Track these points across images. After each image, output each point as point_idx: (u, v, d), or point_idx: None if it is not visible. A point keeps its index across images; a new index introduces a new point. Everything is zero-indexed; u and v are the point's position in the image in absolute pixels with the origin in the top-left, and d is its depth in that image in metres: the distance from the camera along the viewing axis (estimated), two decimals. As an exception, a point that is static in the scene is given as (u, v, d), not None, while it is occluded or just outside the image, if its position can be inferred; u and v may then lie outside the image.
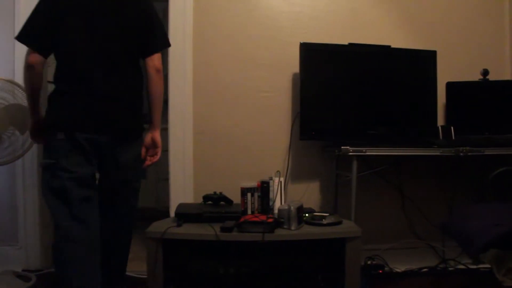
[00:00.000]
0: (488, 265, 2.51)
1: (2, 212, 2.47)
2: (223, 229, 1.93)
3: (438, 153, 2.25)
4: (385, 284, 2.37)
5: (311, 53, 2.41)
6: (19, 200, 2.52)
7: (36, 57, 1.67)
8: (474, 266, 2.56)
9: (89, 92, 1.70)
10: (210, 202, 2.26)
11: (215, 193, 2.27)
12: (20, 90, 2.27)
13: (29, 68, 1.68)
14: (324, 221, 2.08)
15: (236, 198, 2.30)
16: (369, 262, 2.49)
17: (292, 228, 1.98)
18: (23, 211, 2.52)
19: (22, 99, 2.27)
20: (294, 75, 2.58)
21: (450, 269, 2.56)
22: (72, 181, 1.64)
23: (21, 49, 2.43)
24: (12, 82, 2.28)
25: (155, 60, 1.82)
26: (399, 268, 2.53)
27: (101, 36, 1.71)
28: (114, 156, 1.77)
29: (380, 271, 2.45)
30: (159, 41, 1.86)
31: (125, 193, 1.87)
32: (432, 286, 2.39)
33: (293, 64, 2.54)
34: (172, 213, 2.53)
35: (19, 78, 2.46)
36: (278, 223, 2.00)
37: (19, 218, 2.52)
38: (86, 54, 1.70)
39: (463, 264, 2.56)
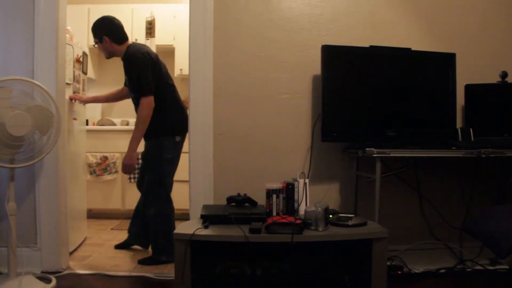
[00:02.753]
0: (506, 266, 2.54)
1: (22, 214, 2.44)
2: (252, 231, 1.94)
3: (461, 155, 2.28)
4: (404, 285, 2.39)
5: (333, 56, 2.42)
6: (38, 201, 2.51)
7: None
8: (492, 267, 2.58)
9: (185, 114, 2.83)
10: (233, 203, 2.26)
11: (239, 194, 2.27)
12: (39, 90, 2.26)
13: (153, 109, 2.66)
14: (350, 222, 2.09)
15: (256, 198, 2.30)
16: (388, 263, 2.50)
17: (320, 229, 1.99)
18: (42, 212, 2.50)
19: (42, 100, 2.26)
20: (315, 77, 2.59)
21: (468, 270, 2.58)
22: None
23: (41, 50, 2.46)
24: (31, 82, 2.26)
25: None
26: (418, 269, 2.54)
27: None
28: None
29: (399, 272, 2.47)
30: None
31: None
32: (451, 287, 2.41)
33: (314, 66, 2.56)
34: (192, 215, 2.53)
35: (38, 78, 2.46)
36: (306, 224, 2.00)
37: (38, 219, 2.51)
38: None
39: (481, 265, 2.59)
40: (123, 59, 2.77)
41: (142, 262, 2.77)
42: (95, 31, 2.80)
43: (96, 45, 2.87)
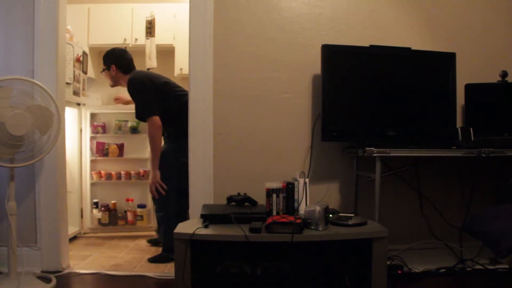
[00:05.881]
0: (506, 266, 2.54)
1: (22, 213, 2.44)
2: (252, 230, 1.93)
3: (461, 154, 2.28)
4: (404, 284, 2.39)
5: (333, 55, 2.42)
6: (38, 201, 2.51)
7: (159, 119, 2.75)
8: (492, 267, 2.58)
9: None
10: (233, 203, 2.26)
11: (239, 194, 2.27)
12: (39, 90, 2.26)
13: (160, 127, 2.75)
14: (350, 222, 2.09)
15: (256, 198, 2.30)
16: (388, 263, 2.50)
17: (320, 228, 1.99)
18: (42, 212, 2.50)
19: (42, 99, 2.26)
20: (315, 76, 2.60)
21: (468, 269, 2.58)
22: None
23: (41, 49, 2.47)
24: (31, 82, 2.26)
25: None
26: (418, 268, 2.54)
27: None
28: None
29: (399, 272, 2.47)
30: None
31: None
32: (451, 287, 2.41)
33: (314, 66, 2.56)
34: (192, 214, 2.53)
35: (38, 77, 2.46)
36: (306, 223, 2.00)
37: (38, 219, 2.51)
38: None
39: (481, 265, 2.58)
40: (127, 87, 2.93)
41: (153, 260, 2.79)
42: (105, 59, 3.01)
43: (103, 72, 3.06)
